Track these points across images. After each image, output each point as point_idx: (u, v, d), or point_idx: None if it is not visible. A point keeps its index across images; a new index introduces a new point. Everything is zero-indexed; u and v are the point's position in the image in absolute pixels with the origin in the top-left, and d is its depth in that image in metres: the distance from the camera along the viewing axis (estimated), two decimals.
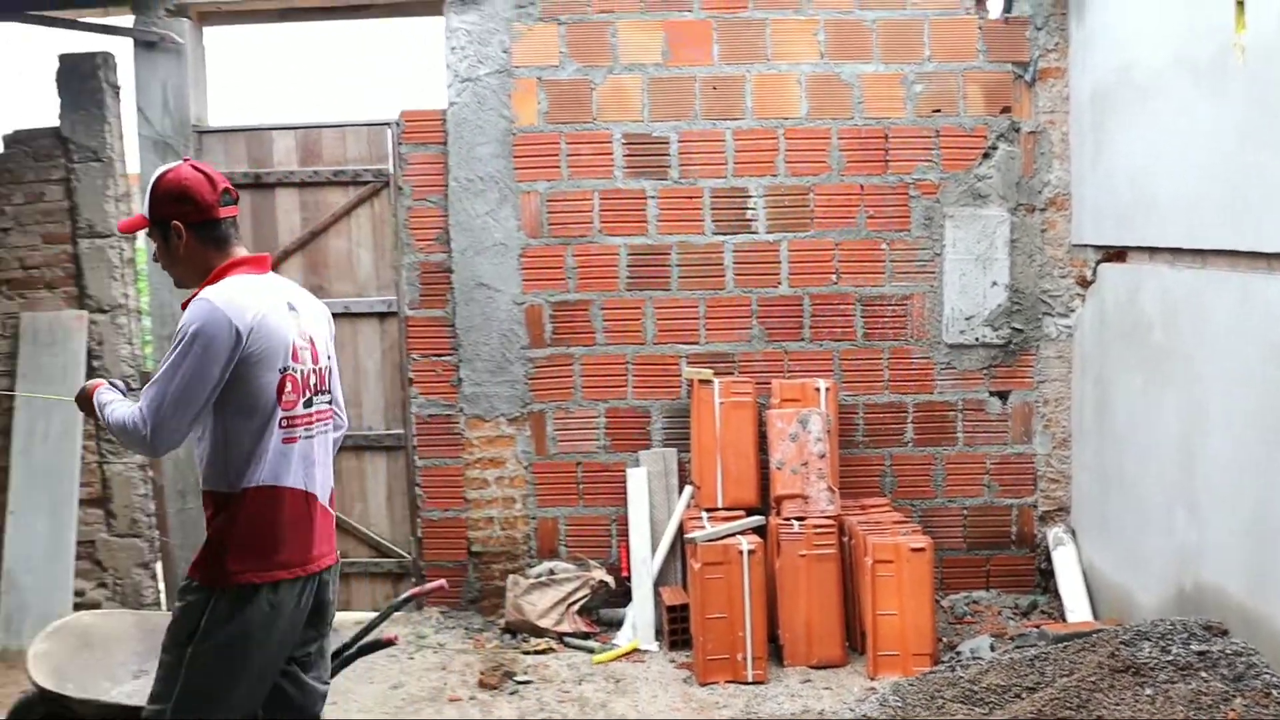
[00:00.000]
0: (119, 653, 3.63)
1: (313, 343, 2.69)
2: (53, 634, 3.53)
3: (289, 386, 2.58)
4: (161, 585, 5.65)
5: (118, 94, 5.48)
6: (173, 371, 2.44)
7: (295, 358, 2.61)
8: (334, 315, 2.98)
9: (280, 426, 2.57)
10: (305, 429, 2.65)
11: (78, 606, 5.26)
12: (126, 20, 5.41)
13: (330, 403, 2.79)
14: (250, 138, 5.47)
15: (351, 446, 5.52)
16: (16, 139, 5.46)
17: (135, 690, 3.39)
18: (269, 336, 2.54)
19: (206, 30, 5.59)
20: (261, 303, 2.56)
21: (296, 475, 2.61)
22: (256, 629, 2.51)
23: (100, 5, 5.41)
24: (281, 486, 2.57)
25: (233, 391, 2.50)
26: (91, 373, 5.40)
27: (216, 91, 5.66)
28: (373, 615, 3.60)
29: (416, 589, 3.73)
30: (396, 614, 5.29)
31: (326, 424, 2.75)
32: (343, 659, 3.32)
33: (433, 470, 5.50)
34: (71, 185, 5.40)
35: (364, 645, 3.37)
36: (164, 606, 5.54)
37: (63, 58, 5.39)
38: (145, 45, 5.34)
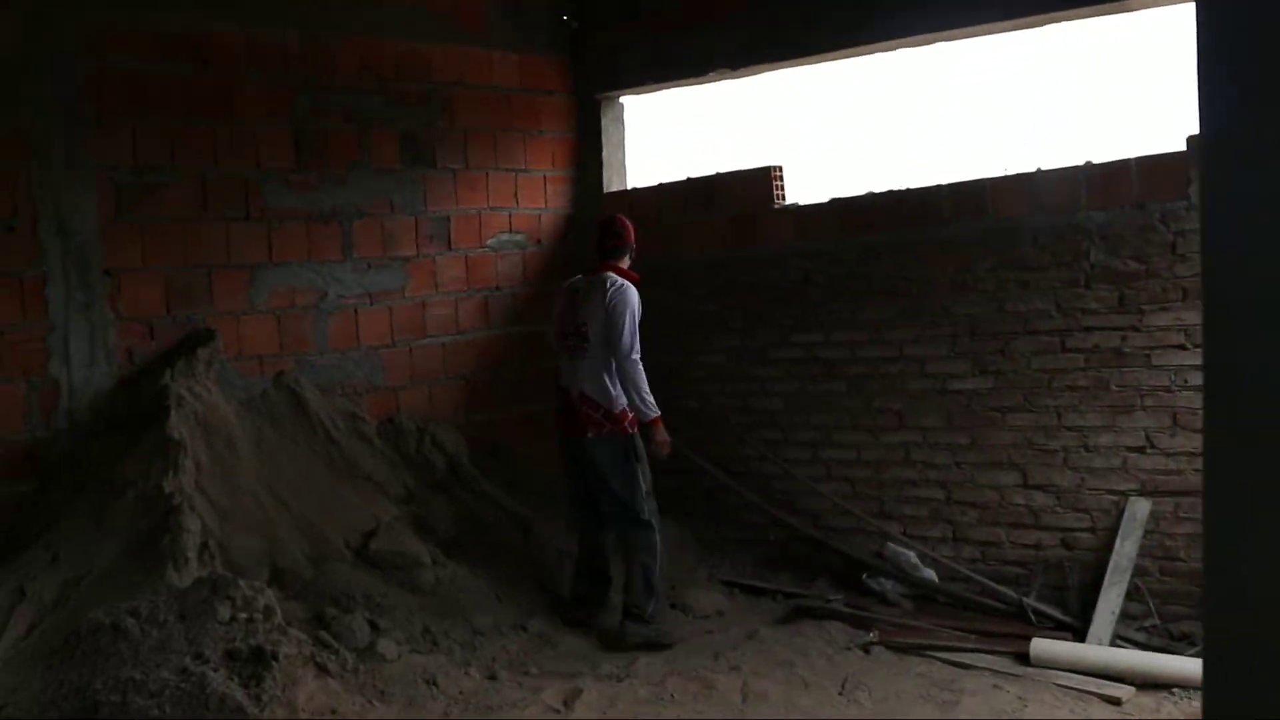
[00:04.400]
0: None
1: (575, 312, 5.46)
2: None
3: (557, 331, 5.61)
4: None
5: None
6: None
7: (563, 319, 5.54)
8: None
9: (557, 350, 5.62)
10: (566, 354, 5.50)
11: None
12: None
13: (584, 341, 5.38)
14: None
15: None
16: None
17: None
18: (558, 306, 5.66)
19: None
20: (563, 289, 5.70)
21: (562, 377, 5.54)
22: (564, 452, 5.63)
23: None
24: (559, 383, 5.56)
25: None
26: None
27: None
28: None
29: None
30: None
31: (577, 353, 5.41)
32: None
33: None
34: None
35: None
36: None
37: None
38: None
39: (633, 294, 5.37)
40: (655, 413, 5.39)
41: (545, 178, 7.15)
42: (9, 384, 4.96)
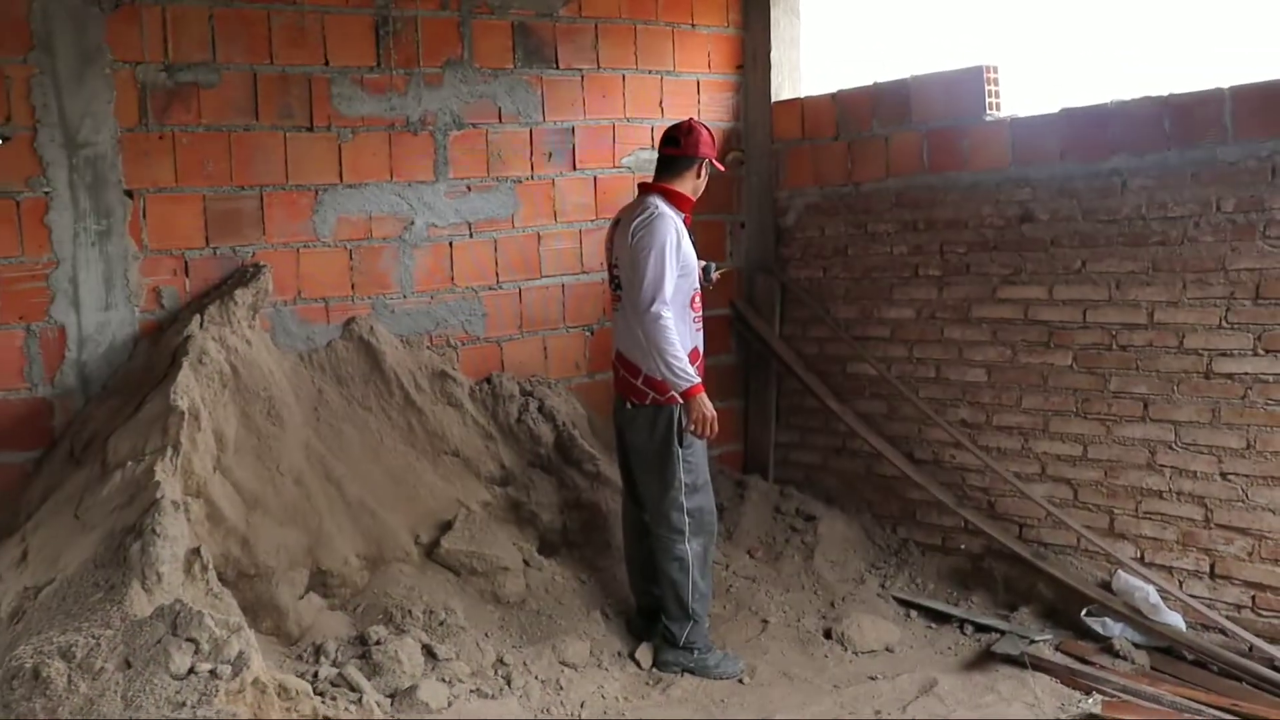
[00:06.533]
0: None
1: (611, 248, 4.47)
2: None
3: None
4: None
5: None
6: None
7: (606, 259, 4.57)
8: None
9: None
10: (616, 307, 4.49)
11: None
12: None
13: (618, 288, 4.39)
14: None
15: None
16: None
17: None
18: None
19: None
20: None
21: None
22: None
23: None
24: None
25: None
26: None
27: None
28: None
29: None
30: None
31: (615, 301, 4.47)
32: None
33: None
34: None
35: None
36: None
37: None
38: None
39: (665, 227, 4.23)
40: (690, 380, 4.21)
41: (699, 82, 6.00)
42: (3, 331, 4.13)
